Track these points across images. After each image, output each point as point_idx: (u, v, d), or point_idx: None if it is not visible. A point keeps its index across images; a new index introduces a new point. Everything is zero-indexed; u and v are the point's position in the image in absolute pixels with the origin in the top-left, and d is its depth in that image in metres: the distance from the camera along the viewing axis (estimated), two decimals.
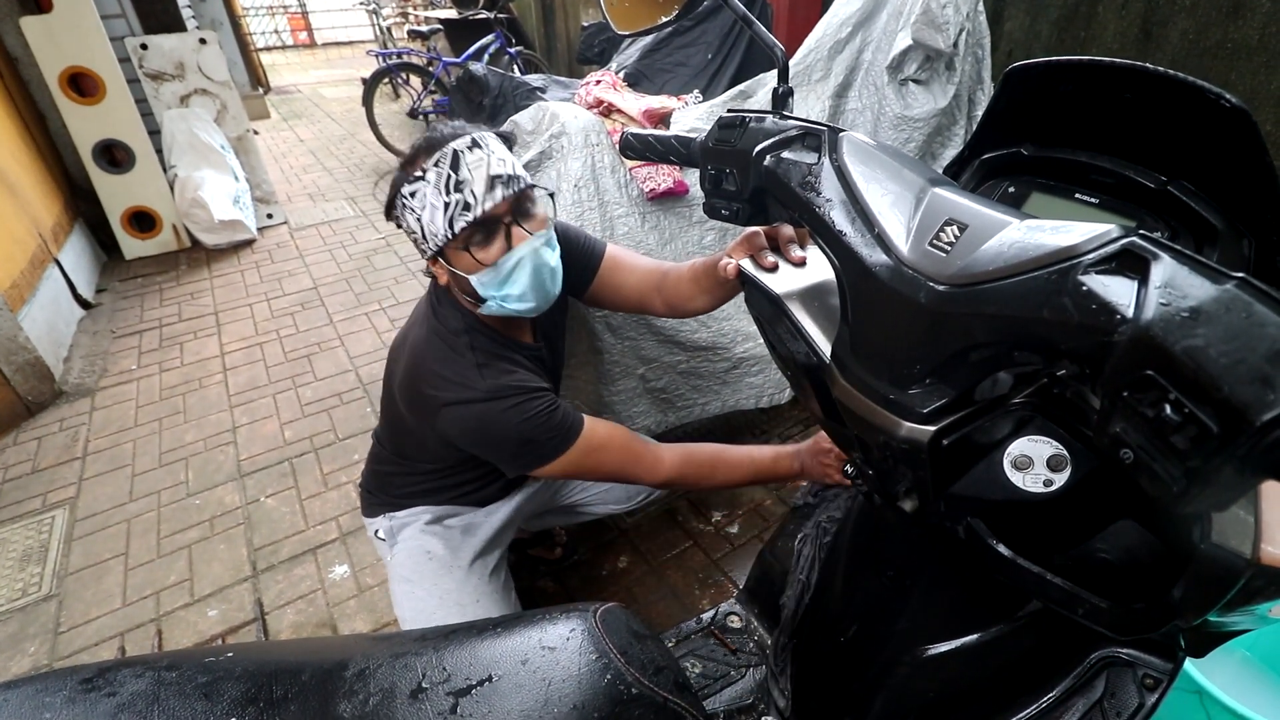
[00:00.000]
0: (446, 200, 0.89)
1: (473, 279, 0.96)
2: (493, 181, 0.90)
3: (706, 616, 1.17)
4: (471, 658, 0.50)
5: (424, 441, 1.13)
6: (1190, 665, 1.11)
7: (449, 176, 0.89)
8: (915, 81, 1.64)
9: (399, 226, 0.99)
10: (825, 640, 0.91)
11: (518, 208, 0.95)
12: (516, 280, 0.96)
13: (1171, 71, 0.48)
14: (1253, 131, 0.46)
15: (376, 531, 1.29)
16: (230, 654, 0.51)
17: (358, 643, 0.56)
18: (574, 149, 1.48)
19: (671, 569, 1.73)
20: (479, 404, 0.97)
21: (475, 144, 0.91)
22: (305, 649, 0.55)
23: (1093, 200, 0.57)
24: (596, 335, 1.59)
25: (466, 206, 0.89)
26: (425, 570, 1.19)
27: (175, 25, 4.06)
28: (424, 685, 0.48)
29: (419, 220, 0.93)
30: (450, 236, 0.91)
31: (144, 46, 3.59)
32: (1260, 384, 0.30)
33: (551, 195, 1.05)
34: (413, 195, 0.92)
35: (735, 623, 1.17)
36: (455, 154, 0.90)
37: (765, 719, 0.99)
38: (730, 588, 1.67)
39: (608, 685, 0.50)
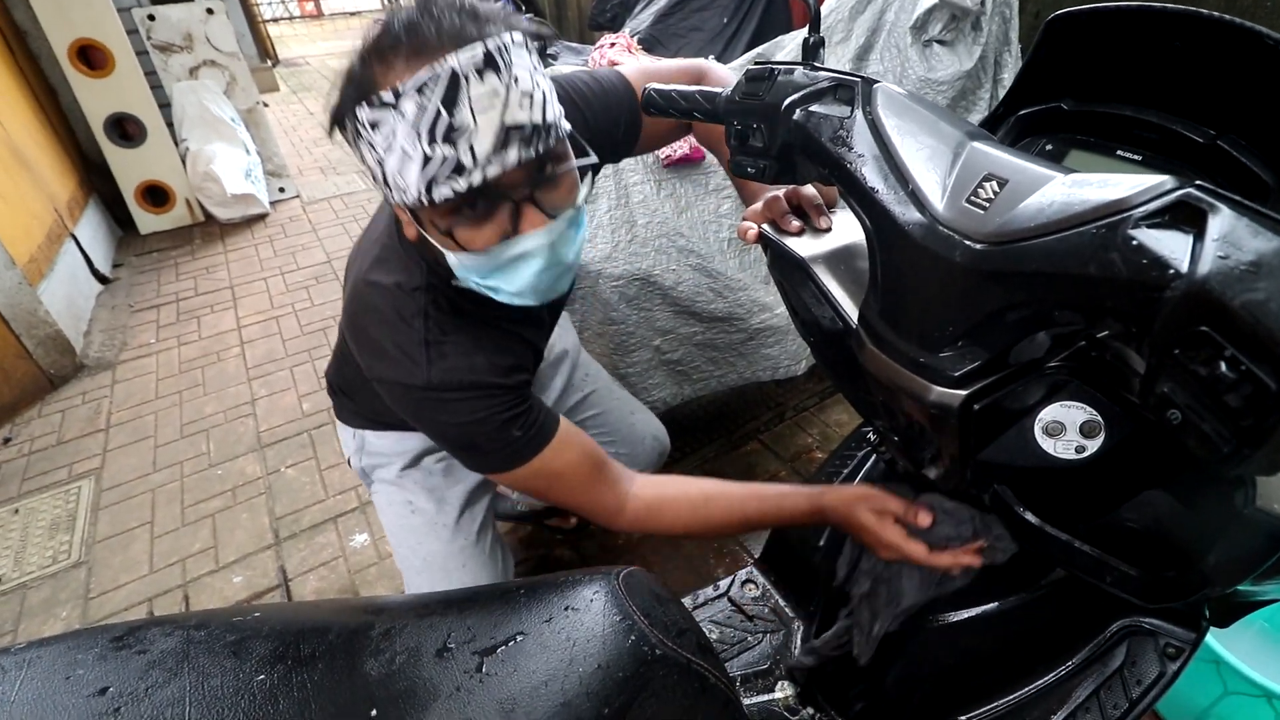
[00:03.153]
0: (427, 153, 0.58)
1: (451, 258, 0.69)
2: (507, 135, 0.59)
3: (723, 583, 1.18)
4: (496, 618, 0.51)
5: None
6: (1208, 635, 1.10)
7: (437, 116, 0.57)
8: (940, 43, 1.59)
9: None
10: (843, 607, 0.91)
11: (538, 176, 0.64)
12: (515, 275, 0.69)
13: (1228, 17, 0.46)
14: None
15: (349, 457, 1.19)
16: (258, 614, 0.52)
17: (384, 604, 0.57)
18: None
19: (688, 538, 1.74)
20: (418, 392, 0.77)
21: (491, 64, 0.57)
22: (331, 609, 0.56)
23: (1135, 157, 0.55)
24: (611, 306, 1.58)
25: (459, 170, 0.58)
26: (408, 528, 1.12)
27: None
28: (449, 645, 0.49)
29: (379, 164, 0.61)
30: (425, 204, 0.61)
31: (151, 18, 3.56)
32: None
33: (595, 168, 0.76)
34: (374, 127, 0.59)
35: (752, 590, 1.18)
36: (455, 79, 0.56)
37: (781, 683, 1.00)
38: (745, 557, 1.68)
39: (632, 646, 0.50)
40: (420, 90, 0.56)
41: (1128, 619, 0.75)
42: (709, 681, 0.53)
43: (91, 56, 3.33)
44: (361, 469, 1.18)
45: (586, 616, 0.52)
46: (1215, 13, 0.46)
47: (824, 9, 1.65)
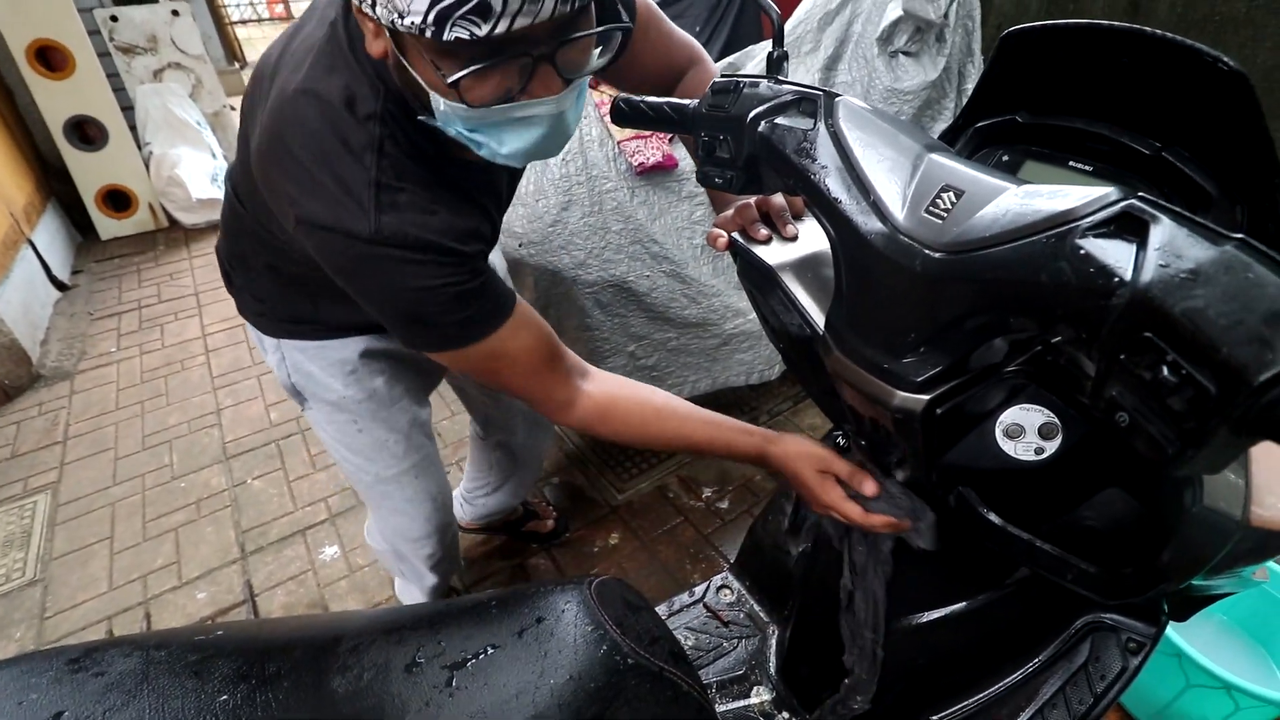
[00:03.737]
0: None
1: (437, 100, 0.60)
2: None
3: (699, 589, 1.18)
4: (466, 632, 0.50)
5: (275, 230, 0.81)
6: (1170, 629, 1.14)
7: None
8: (905, 54, 1.63)
9: None
10: (817, 611, 0.92)
11: (564, 34, 0.56)
12: (512, 137, 0.62)
13: (1170, 34, 0.48)
14: (1249, 95, 0.46)
15: (272, 368, 1.06)
16: (221, 632, 0.51)
17: (351, 619, 0.56)
18: None
19: (663, 545, 1.74)
20: (360, 244, 0.64)
21: None
22: (297, 626, 0.55)
23: (1086, 168, 0.57)
24: (586, 312, 1.58)
25: (483, 11, 0.49)
26: (355, 447, 1.08)
27: None
28: (419, 659, 0.48)
29: None
30: (425, 34, 0.51)
31: (114, 18, 3.48)
32: (1259, 344, 0.29)
33: (626, 29, 0.67)
34: None
35: (727, 595, 1.18)
36: None
37: (757, 688, 1.01)
38: (721, 562, 1.68)
39: (604, 656, 0.50)
40: None
41: (1090, 615, 0.77)
42: (681, 689, 0.53)
43: (50, 58, 3.23)
44: (291, 385, 1.06)
45: (558, 627, 0.52)
46: (1159, 31, 0.48)
47: (793, 20, 1.68)
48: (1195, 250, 0.33)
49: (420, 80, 0.59)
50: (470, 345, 0.71)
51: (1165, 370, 0.32)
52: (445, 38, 0.51)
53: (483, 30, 0.50)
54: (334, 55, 0.66)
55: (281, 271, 0.91)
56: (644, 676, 0.51)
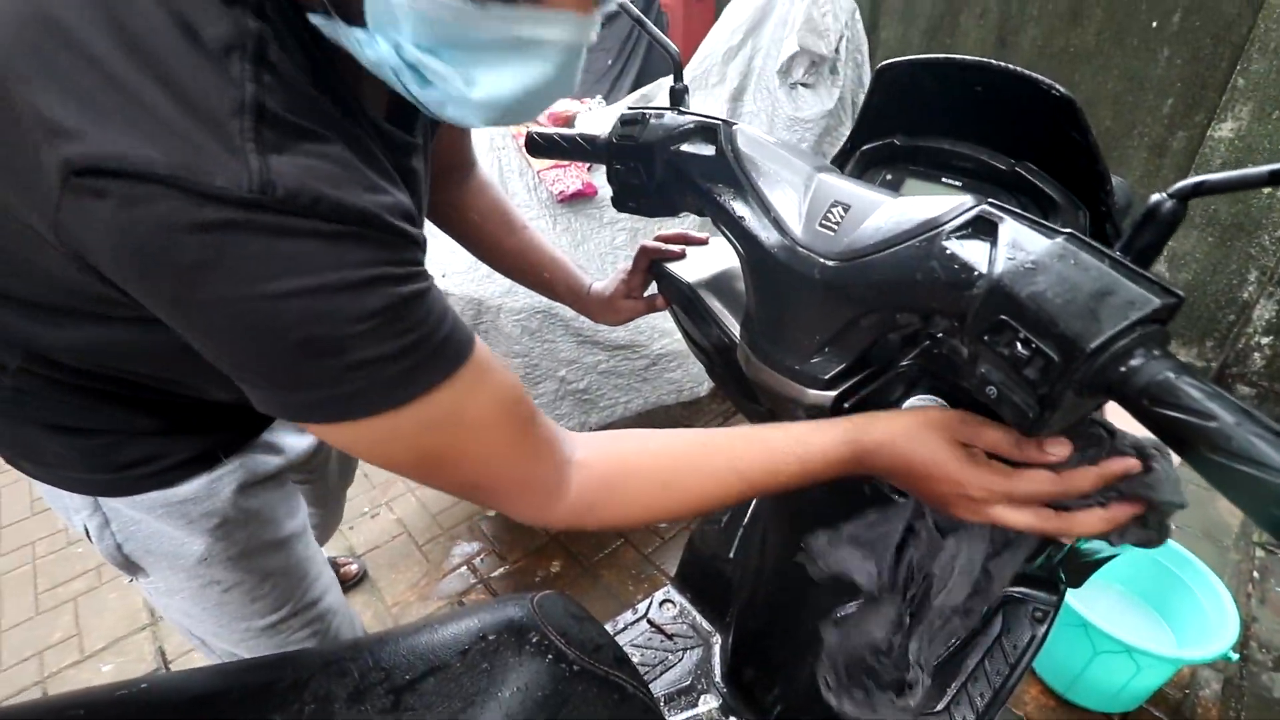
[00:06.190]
0: None
1: None
2: None
3: (641, 606, 1.20)
4: (409, 655, 0.50)
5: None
6: (1075, 603, 1.24)
7: None
8: (803, 85, 1.75)
9: None
10: (754, 615, 0.96)
11: None
12: (497, 73, 0.39)
13: (1010, 66, 0.55)
14: (1078, 117, 0.54)
15: (94, 544, 0.68)
16: (145, 685, 0.49)
17: (285, 659, 0.55)
18: (478, 152, 1.48)
19: (605, 568, 1.74)
20: (226, 210, 0.34)
21: None
22: (228, 671, 0.53)
23: (957, 183, 0.64)
24: (514, 339, 1.59)
25: None
26: (218, 605, 0.74)
27: None
28: (362, 687, 0.48)
29: None
30: None
31: None
32: (1088, 317, 0.35)
33: None
34: None
35: (670, 610, 1.20)
36: None
37: (704, 696, 1.03)
38: (663, 579, 1.70)
39: (549, 665, 0.51)
40: None
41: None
42: (627, 691, 0.55)
43: None
44: (123, 558, 0.68)
45: (502, 642, 0.53)
46: (1003, 63, 0.56)
47: (699, 55, 1.78)
48: (1035, 244, 0.39)
49: None
50: (404, 406, 0.42)
51: (1019, 346, 0.38)
52: None
53: None
54: None
55: (64, 366, 0.51)
56: (590, 681, 0.52)
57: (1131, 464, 0.41)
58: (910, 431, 0.48)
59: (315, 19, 0.39)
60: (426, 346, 0.42)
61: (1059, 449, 0.43)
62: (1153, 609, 1.47)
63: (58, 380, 0.52)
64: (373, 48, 0.38)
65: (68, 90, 0.34)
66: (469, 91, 0.39)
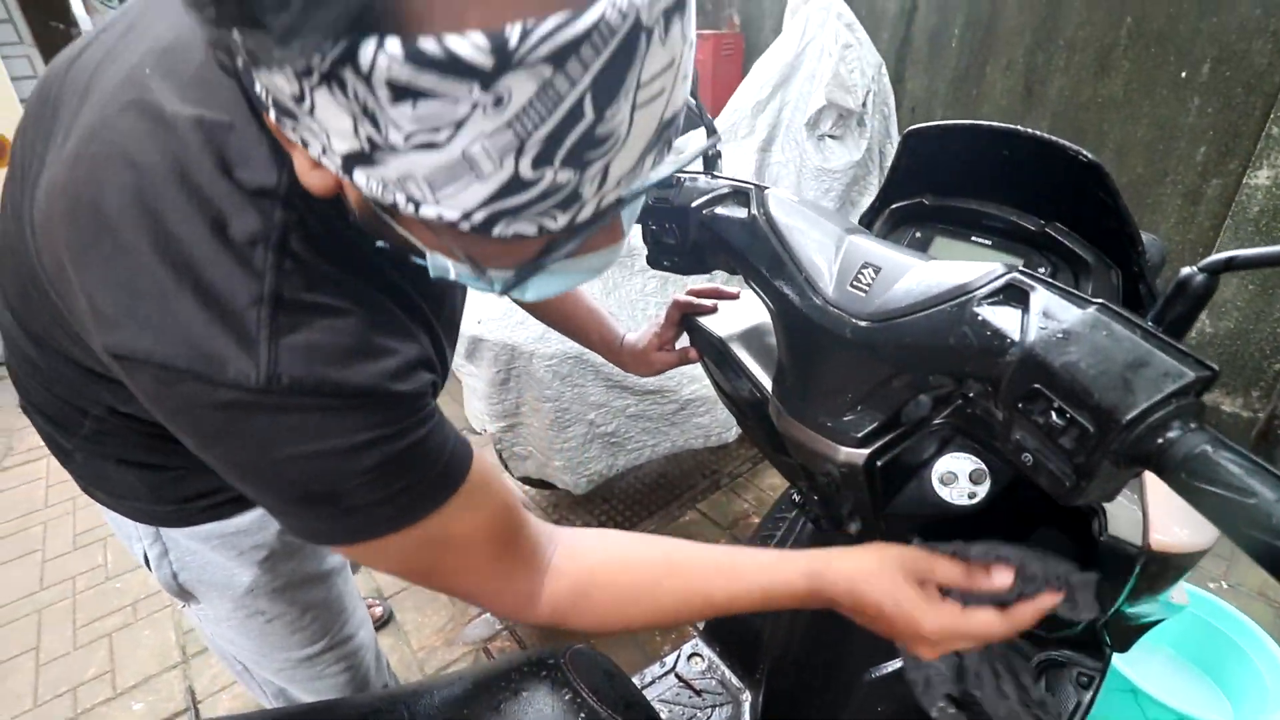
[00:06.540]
0: (524, 175, 0.31)
1: (432, 254, 0.40)
2: (659, 138, 0.34)
3: (669, 659, 1.18)
4: (444, 707, 0.51)
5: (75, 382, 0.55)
6: (1123, 666, 1.18)
7: (574, 116, 0.29)
8: (831, 137, 1.79)
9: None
10: (785, 673, 0.94)
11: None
12: (541, 286, 0.43)
13: (1037, 132, 0.57)
14: (1106, 181, 0.55)
15: (144, 555, 0.74)
16: None
17: (315, 709, 0.55)
18: None
19: None
20: (241, 394, 0.39)
21: (671, 15, 0.29)
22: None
23: (986, 242, 0.65)
24: (546, 384, 1.61)
25: (567, 203, 0.33)
26: (264, 634, 0.79)
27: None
28: None
29: (371, 140, 0.30)
30: (461, 228, 0.33)
31: None
32: (1123, 389, 0.35)
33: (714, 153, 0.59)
34: (404, 93, 0.27)
35: (698, 664, 1.18)
36: (633, 38, 0.28)
37: None
38: (691, 630, 1.67)
39: None
40: (560, 56, 0.27)
41: (1043, 654, 0.81)
42: None
43: None
44: (178, 586, 0.74)
45: (536, 699, 0.53)
46: (1029, 129, 0.57)
47: (729, 108, 1.83)
48: (1067, 313, 0.40)
49: (410, 238, 0.40)
50: (400, 530, 0.46)
51: (1054, 415, 0.38)
52: (499, 234, 0.34)
53: (561, 221, 0.34)
54: (214, 85, 0.40)
55: (136, 417, 0.56)
56: None
57: (1055, 599, 0.49)
58: (868, 571, 0.53)
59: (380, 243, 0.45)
60: (420, 486, 0.46)
61: (1003, 579, 0.50)
62: (1205, 673, 1.39)
63: (131, 427, 0.58)
64: (431, 267, 0.42)
65: (109, 278, 0.39)
66: (519, 294, 0.43)
